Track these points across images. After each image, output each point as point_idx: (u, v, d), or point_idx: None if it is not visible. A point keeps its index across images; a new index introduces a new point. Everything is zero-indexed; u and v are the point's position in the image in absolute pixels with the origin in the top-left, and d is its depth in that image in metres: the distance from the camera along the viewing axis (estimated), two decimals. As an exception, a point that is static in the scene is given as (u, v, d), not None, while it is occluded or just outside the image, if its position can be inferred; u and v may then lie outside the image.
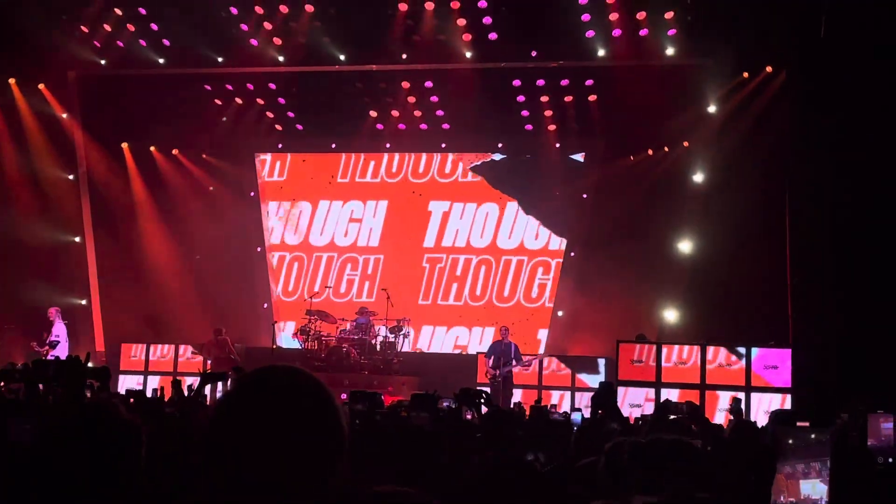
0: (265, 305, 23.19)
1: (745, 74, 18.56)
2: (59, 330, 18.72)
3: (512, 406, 16.93)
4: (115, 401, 4.12)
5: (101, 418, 3.00)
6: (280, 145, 23.72)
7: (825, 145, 16.46)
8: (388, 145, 22.95)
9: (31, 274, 20.23)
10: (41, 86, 20.81)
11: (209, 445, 2.08)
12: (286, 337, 22.40)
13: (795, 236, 17.26)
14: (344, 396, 10.47)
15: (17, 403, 5.45)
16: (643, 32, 18.14)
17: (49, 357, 17.77)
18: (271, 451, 2.03)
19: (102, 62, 20.49)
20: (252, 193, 23.78)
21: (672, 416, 9.17)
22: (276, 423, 2.05)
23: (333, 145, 23.39)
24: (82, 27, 19.48)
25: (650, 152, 20.78)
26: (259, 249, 23.55)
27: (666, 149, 20.47)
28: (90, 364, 5.48)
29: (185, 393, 11.61)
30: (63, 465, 2.87)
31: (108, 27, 19.48)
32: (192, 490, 2.65)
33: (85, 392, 4.25)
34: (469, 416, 8.96)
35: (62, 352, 18.39)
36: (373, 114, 22.07)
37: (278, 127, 23.02)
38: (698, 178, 19.41)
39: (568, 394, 18.90)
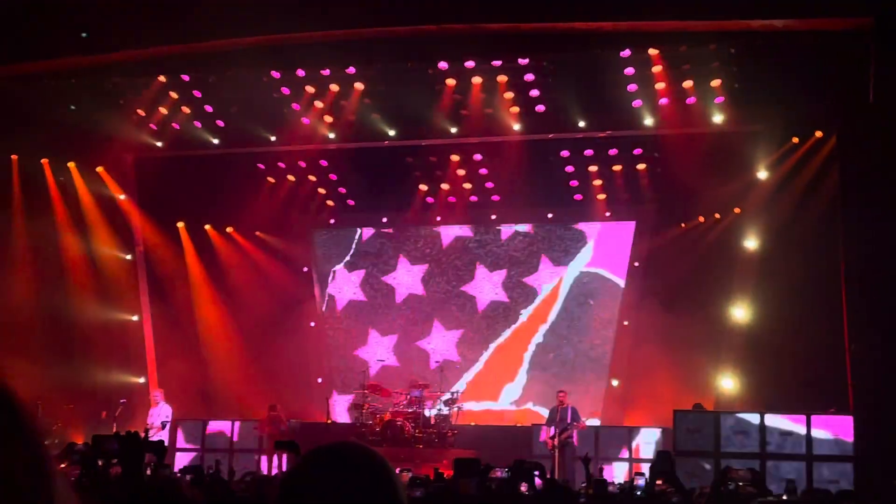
0: (319, 380, 23.26)
1: (795, 140, 18.48)
2: (166, 411, 18.82)
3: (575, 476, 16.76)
4: (176, 477, 4.18)
5: (165, 496, 3.05)
6: (332, 221, 23.99)
7: (879, 208, 16.28)
8: (438, 218, 23.12)
9: (89, 353, 20.52)
10: (99, 168, 21.30)
11: None
12: (340, 411, 22.42)
13: (852, 300, 16.99)
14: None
15: (78, 485, 5.52)
16: (690, 101, 18.19)
17: (156, 438, 18.03)
18: None
19: (159, 144, 20.97)
20: (305, 269, 24.01)
21: (731, 486, 9.00)
22: (341, 500, 2.09)
23: (385, 219, 23.62)
24: (139, 111, 19.96)
25: (701, 219, 20.69)
26: (312, 324, 23.70)
27: (717, 216, 20.39)
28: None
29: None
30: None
31: (163, 110, 19.94)
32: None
33: (144, 468, 4.31)
34: (524, 489, 8.90)
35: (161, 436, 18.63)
36: (423, 187, 22.30)
37: (330, 203, 23.30)
38: (751, 244, 19.26)
39: (626, 465, 18.64)
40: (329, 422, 20.54)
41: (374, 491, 2.14)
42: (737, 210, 19.96)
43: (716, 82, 17.77)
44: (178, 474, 11.67)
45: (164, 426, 18.53)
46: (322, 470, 2.16)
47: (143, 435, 17.75)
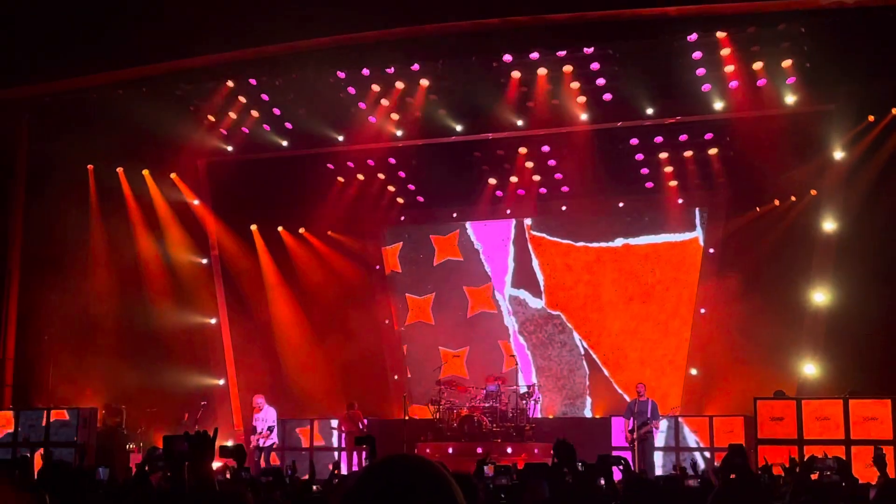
0: (395, 377, 23.37)
1: (871, 118, 18.04)
2: (270, 415, 19.13)
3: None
4: (243, 489, 4.20)
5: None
6: (402, 218, 24.06)
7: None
8: (508, 211, 23.05)
9: (169, 357, 20.87)
10: (173, 175, 21.65)
11: None
12: (417, 408, 22.49)
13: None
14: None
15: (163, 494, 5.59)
16: (761, 83, 17.86)
17: (268, 443, 18.38)
18: None
19: (229, 148, 21.24)
20: (378, 267, 24.13)
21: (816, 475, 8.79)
22: None
23: (455, 214, 23.62)
24: (209, 116, 20.24)
25: (776, 203, 20.29)
26: (387, 322, 23.81)
27: (793, 198, 19.98)
28: (226, 444, 5.59)
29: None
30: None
31: (233, 115, 20.18)
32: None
33: (212, 470, 4.31)
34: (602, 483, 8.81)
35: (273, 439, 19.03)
36: (492, 181, 22.24)
37: (400, 200, 23.38)
38: (829, 226, 18.81)
39: (697, 455, 18.43)
40: (406, 418, 20.62)
41: (435, 499, 2.13)
42: (813, 192, 19.53)
43: (787, 63, 17.42)
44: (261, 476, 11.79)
45: (271, 430, 18.81)
46: (383, 485, 2.15)
47: (253, 443, 18.29)
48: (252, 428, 19.29)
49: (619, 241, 22.48)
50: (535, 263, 23.14)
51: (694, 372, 21.13)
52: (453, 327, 23.15)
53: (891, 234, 17.20)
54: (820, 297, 18.75)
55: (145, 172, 21.43)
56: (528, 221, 23.22)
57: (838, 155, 18.65)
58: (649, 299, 22.06)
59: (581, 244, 22.74)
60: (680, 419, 19.30)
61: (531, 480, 6.08)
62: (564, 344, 22.54)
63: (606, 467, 9.07)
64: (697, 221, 21.98)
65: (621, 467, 9.31)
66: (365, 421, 19.85)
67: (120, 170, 21.23)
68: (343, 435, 20.14)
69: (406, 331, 23.81)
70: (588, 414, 21.81)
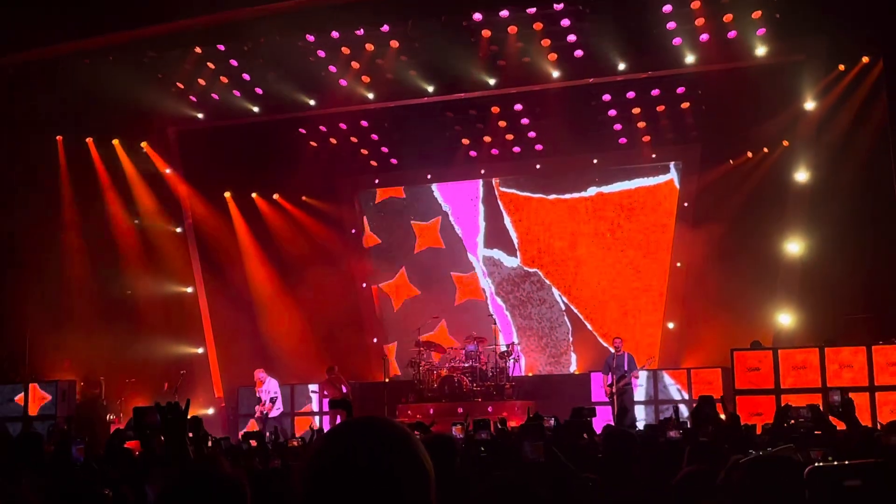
0: (374, 340, 23.41)
1: (841, 67, 18.06)
2: (272, 386, 19.28)
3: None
4: (220, 457, 4.20)
5: (208, 477, 3.07)
6: (377, 181, 24.01)
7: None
8: (482, 171, 23.03)
9: (147, 327, 20.80)
10: (143, 144, 21.47)
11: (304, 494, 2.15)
12: (396, 369, 22.57)
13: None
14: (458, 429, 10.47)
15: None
16: (731, 34, 17.82)
17: (273, 413, 18.57)
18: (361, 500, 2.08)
19: (200, 116, 21.04)
20: (353, 231, 24.08)
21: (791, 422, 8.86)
22: (365, 473, 2.10)
23: (429, 175, 23.57)
24: (178, 84, 20.04)
25: (749, 155, 20.38)
26: (364, 285, 23.81)
27: (765, 150, 20.06)
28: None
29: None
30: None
31: (202, 82, 19.98)
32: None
33: (186, 437, 4.30)
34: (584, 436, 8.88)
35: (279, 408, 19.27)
36: (465, 141, 22.20)
37: (373, 163, 23.31)
38: (801, 176, 18.91)
39: (683, 407, 18.58)
40: (386, 380, 20.69)
41: (398, 462, 2.13)
42: (785, 143, 19.61)
43: (756, 14, 17.38)
44: (242, 442, 11.82)
45: (273, 402, 18.95)
46: (345, 445, 2.15)
47: (257, 413, 18.54)
48: (257, 399, 19.47)
49: (592, 191, 22.54)
50: (508, 221, 23.15)
51: (671, 325, 21.28)
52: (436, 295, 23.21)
53: (862, 183, 17.31)
54: (794, 247, 18.89)
55: (115, 142, 21.23)
56: (496, 179, 23.20)
57: (809, 105, 18.70)
58: (627, 246, 22.13)
59: (553, 196, 22.78)
60: (663, 372, 19.45)
61: (529, 440, 6.10)
62: (543, 301, 22.61)
63: (583, 420, 9.13)
64: (672, 166, 22.03)
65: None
66: (346, 383, 19.89)
67: (89, 140, 21.02)
68: (326, 400, 20.19)
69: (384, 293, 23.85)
70: (574, 371, 21.89)
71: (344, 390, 19.42)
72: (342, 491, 2.09)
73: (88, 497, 3.98)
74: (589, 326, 22.12)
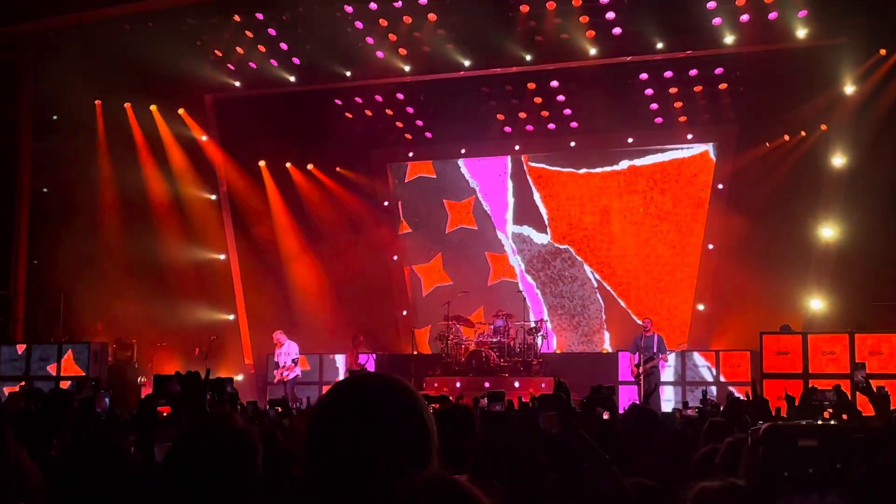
0: (404, 313, 23.51)
1: (882, 52, 17.86)
2: (293, 349, 19.38)
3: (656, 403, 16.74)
4: (231, 412, 4.26)
5: (218, 430, 3.12)
6: (411, 154, 24.02)
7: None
8: (517, 147, 22.98)
9: (179, 292, 21.01)
10: (181, 110, 21.60)
11: (305, 452, 2.20)
12: (426, 343, 22.65)
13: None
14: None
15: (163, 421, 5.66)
16: (772, 16, 17.66)
17: (292, 375, 18.63)
18: (358, 455, 2.13)
19: (237, 84, 21.14)
20: (386, 203, 24.14)
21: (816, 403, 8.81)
22: (363, 428, 2.15)
23: (463, 150, 23.56)
24: (216, 51, 20.14)
25: (786, 138, 20.18)
26: (395, 258, 23.89)
27: (803, 133, 19.87)
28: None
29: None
30: (186, 478, 3.01)
31: (240, 50, 20.07)
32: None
33: (205, 405, 4.37)
34: (606, 416, 8.89)
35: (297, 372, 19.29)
36: (500, 117, 22.14)
37: (408, 136, 23.31)
38: (838, 161, 18.73)
39: (713, 389, 18.55)
40: (415, 353, 20.78)
41: (396, 415, 2.18)
42: (823, 127, 19.41)
43: (798, -5, 17.21)
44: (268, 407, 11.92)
45: (295, 363, 19.06)
46: (344, 402, 2.20)
47: (277, 377, 18.54)
48: (275, 364, 19.55)
49: (624, 164, 22.45)
50: (537, 196, 23.10)
51: (701, 307, 21.21)
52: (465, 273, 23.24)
53: (899, 169, 17.14)
54: (828, 232, 18.74)
55: (153, 108, 21.38)
56: (525, 154, 23.17)
57: (849, 89, 18.50)
58: (661, 220, 22.02)
59: (584, 171, 22.72)
60: (693, 353, 19.43)
61: (544, 412, 6.11)
62: (575, 278, 22.58)
63: (603, 397, 9.12)
64: (710, 145, 21.90)
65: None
66: (363, 357, 19.88)
67: (128, 105, 21.21)
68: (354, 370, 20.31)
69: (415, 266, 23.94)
70: (608, 349, 21.83)
71: (361, 360, 19.45)
72: (339, 438, 2.15)
73: (109, 447, 4.06)
74: (622, 304, 22.06)
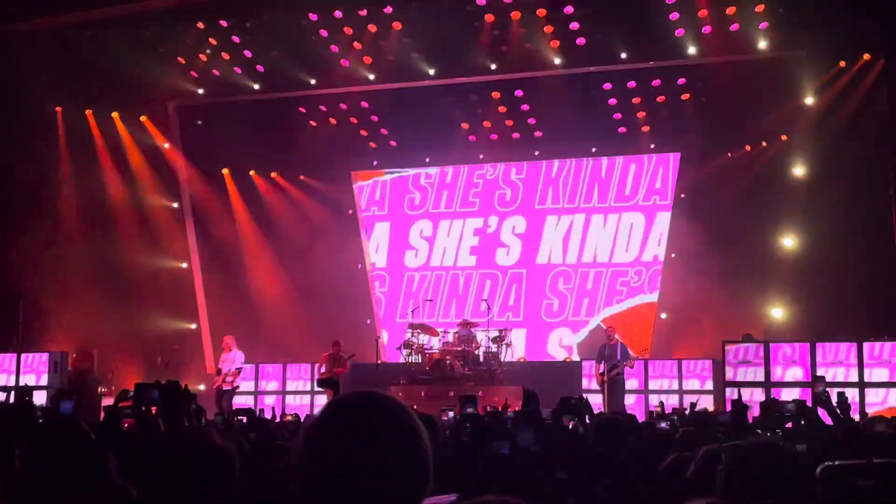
0: (368, 321, 23.44)
1: (842, 63, 18.12)
2: (238, 358, 18.81)
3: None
4: (210, 429, 4.23)
5: (197, 446, 3.10)
6: (375, 162, 24.00)
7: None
8: (481, 156, 23.04)
9: (141, 301, 20.83)
10: (143, 118, 21.45)
11: (301, 468, 2.16)
12: (390, 351, 22.57)
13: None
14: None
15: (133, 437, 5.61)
16: (734, 27, 17.86)
17: (233, 385, 18.19)
18: (359, 479, 2.09)
19: (200, 91, 21.02)
20: (350, 212, 24.08)
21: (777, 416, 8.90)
22: (365, 449, 2.11)
23: (428, 159, 23.57)
24: (179, 58, 20.01)
25: (748, 148, 20.42)
26: (360, 266, 23.84)
27: (764, 144, 20.11)
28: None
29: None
30: (163, 492, 2.98)
31: (203, 57, 19.96)
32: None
33: (184, 418, 4.34)
34: (570, 426, 8.90)
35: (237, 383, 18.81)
36: (465, 126, 22.17)
37: (372, 144, 23.28)
38: (799, 171, 18.99)
39: (676, 397, 18.66)
40: (379, 362, 20.68)
41: (397, 438, 2.15)
42: (784, 137, 19.66)
43: (759, 7, 17.40)
44: (234, 418, 11.84)
45: (238, 372, 18.75)
46: (344, 420, 2.16)
47: (218, 381, 18.09)
48: (217, 370, 19.05)
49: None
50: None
51: (664, 316, 21.34)
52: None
53: (859, 181, 17.36)
54: (789, 241, 18.99)
55: (115, 115, 21.20)
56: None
57: (809, 101, 18.77)
58: (625, 229, 22.21)
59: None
60: (655, 362, 19.52)
61: (523, 427, 6.15)
62: (538, 284, 22.67)
63: (573, 408, 9.15)
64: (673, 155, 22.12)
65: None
66: (323, 369, 19.51)
67: (89, 112, 21.00)
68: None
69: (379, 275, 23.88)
70: (572, 358, 21.83)
71: (323, 370, 19.00)
72: (340, 459, 2.11)
73: (77, 448, 4.00)
74: (584, 312, 22.16)
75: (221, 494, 3.04)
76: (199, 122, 21.77)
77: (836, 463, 2.40)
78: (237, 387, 18.60)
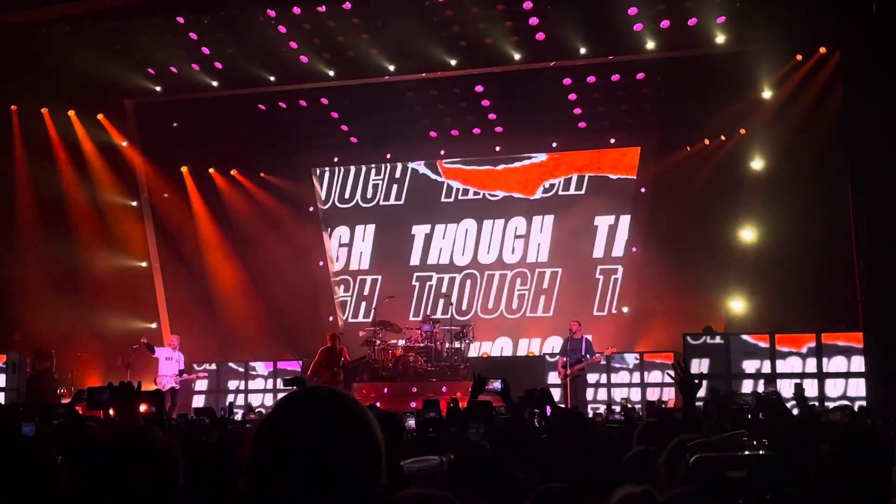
0: (330, 319, 23.36)
1: (799, 57, 18.28)
2: (181, 359, 18.70)
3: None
4: (152, 427, 4.17)
5: (138, 443, 3.06)
6: (336, 159, 23.91)
7: (884, 123, 16.14)
8: (442, 152, 23.03)
9: (101, 301, 20.61)
10: (100, 116, 21.20)
11: (252, 468, 2.14)
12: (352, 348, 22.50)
13: (860, 217, 16.94)
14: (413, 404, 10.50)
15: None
16: (692, 21, 17.94)
17: (167, 387, 17.94)
18: (311, 472, 2.09)
19: (157, 89, 20.81)
20: (311, 208, 23.99)
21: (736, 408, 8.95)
22: (315, 445, 2.11)
23: (388, 155, 23.53)
24: (136, 56, 19.78)
25: (707, 142, 20.57)
26: (321, 263, 23.75)
27: (723, 137, 20.25)
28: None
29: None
30: (107, 490, 2.94)
31: (160, 54, 19.74)
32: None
33: (137, 417, 4.29)
34: (535, 421, 8.89)
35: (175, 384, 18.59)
36: (425, 121, 22.13)
37: (333, 141, 23.18)
38: (757, 164, 19.15)
39: (637, 390, 18.79)
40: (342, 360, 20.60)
41: (349, 432, 2.14)
42: (742, 131, 19.82)
43: (717, 0, 17.50)
44: (194, 417, 11.74)
45: (181, 373, 18.60)
46: (296, 417, 2.16)
47: (156, 382, 17.87)
48: (156, 362, 18.68)
49: (542, 157, 22.76)
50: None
51: (626, 310, 21.44)
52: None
53: (816, 173, 17.53)
54: (748, 234, 19.15)
55: (71, 113, 20.93)
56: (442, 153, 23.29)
57: (767, 94, 18.91)
58: (584, 222, 22.24)
59: (502, 167, 22.91)
60: (617, 356, 19.60)
61: (473, 421, 6.10)
62: (500, 280, 22.69)
63: (537, 401, 9.13)
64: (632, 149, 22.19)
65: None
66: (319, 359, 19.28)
67: (45, 110, 20.70)
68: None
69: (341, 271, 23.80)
70: (533, 352, 21.86)
71: (335, 369, 18.75)
72: (291, 453, 2.10)
73: (38, 466, 3.94)
74: (541, 307, 22.22)
75: (163, 492, 3.00)
76: (157, 121, 21.51)
77: (708, 454, 2.44)
78: (175, 388, 18.40)
